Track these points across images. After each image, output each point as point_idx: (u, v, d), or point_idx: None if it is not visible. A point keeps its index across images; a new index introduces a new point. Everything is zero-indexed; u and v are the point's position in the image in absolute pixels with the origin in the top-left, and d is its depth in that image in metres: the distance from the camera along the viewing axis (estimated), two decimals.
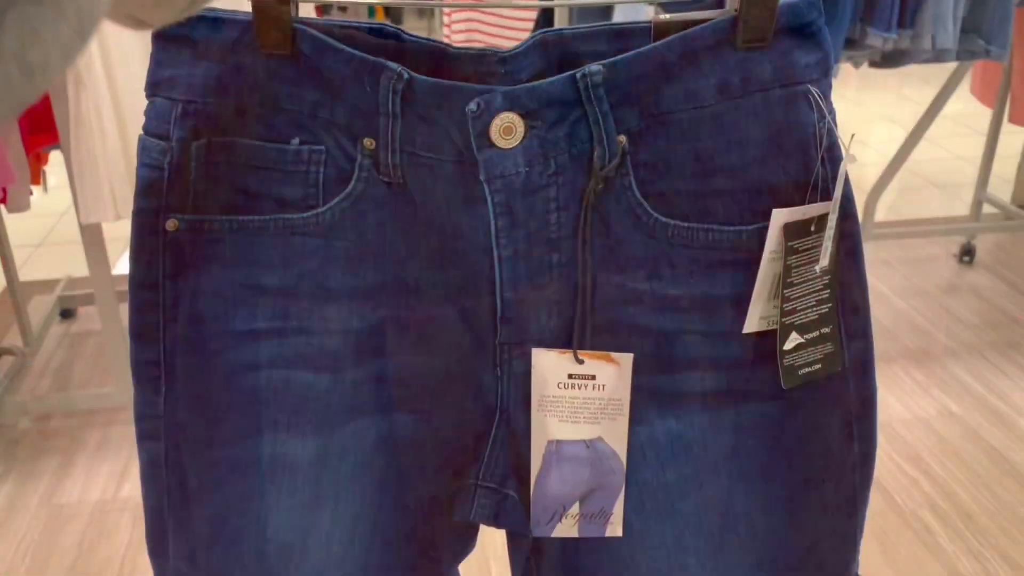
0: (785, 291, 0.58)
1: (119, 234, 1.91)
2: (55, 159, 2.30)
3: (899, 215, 2.77)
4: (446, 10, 2.29)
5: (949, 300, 2.24)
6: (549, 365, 0.59)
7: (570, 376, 0.60)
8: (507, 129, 0.55)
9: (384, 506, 0.64)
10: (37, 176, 1.90)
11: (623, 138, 0.56)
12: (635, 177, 0.57)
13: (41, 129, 1.78)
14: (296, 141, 0.56)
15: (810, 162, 0.57)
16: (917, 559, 1.41)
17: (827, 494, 0.64)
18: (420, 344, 0.60)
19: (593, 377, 0.60)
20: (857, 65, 1.84)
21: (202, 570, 0.63)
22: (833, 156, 0.58)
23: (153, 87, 0.57)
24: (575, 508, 0.63)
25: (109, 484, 1.62)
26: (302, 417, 0.60)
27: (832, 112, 0.57)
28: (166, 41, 0.56)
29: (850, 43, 1.72)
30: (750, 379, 0.61)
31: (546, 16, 2.10)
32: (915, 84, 4.05)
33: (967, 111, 3.70)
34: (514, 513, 0.62)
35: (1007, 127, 2.30)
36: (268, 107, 0.56)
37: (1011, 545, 1.44)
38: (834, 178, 0.58)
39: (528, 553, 0.66)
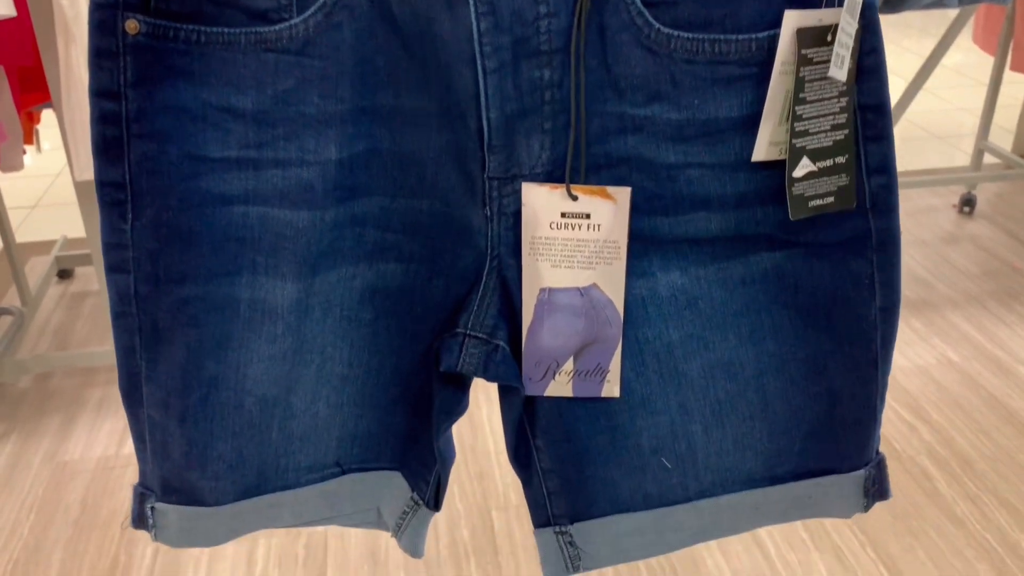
0: (797, 108, 0.52)
1: None
2: (49, 120, 2.28)
3: (899, 166, 2.75)
4: None
5: (949, 250, 2.23)
6: (540, 202, 0.55)
7: (563, 215, 0.55)
8: None
9: (372, 367, 0.61)
10: (30, 136, 1.88)
11: None
12: None
13: (33, 87, 1.76)
14: None
15: None
16: (915, 504, 1.42)
17: (845, 355, 0.59)
18: (405, 183, 0.57)
19: (588, 216, 0.55)
20: None
21: (176, 419, 0.60)
22: None
23: None
24: (569, 364, 0.59)
25: (111, 441, 1.63)
26: (281, 258, 0.57)
27: None
28: None
29: None
30: (761, 221, 0.56)
31: None
32: (915, 36, 4.01)
33: (968, 61, 3.66)
34: (504, 365, 0.59)
35: (1009, 76, 2.28)
36: None
37: (1009, 490, 1.45)
38: None
39: (521, 412, 0.62)
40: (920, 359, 1.80)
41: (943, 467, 1.51)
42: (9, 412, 1.71)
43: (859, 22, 0.51)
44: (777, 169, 0.54)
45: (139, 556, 1.35)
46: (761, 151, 0.54)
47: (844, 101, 0.53)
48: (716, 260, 0.57)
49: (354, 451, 0.64)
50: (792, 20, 0.51)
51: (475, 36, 0.52)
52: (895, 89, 3.17)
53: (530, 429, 0.63)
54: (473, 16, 0.51)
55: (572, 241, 0.56)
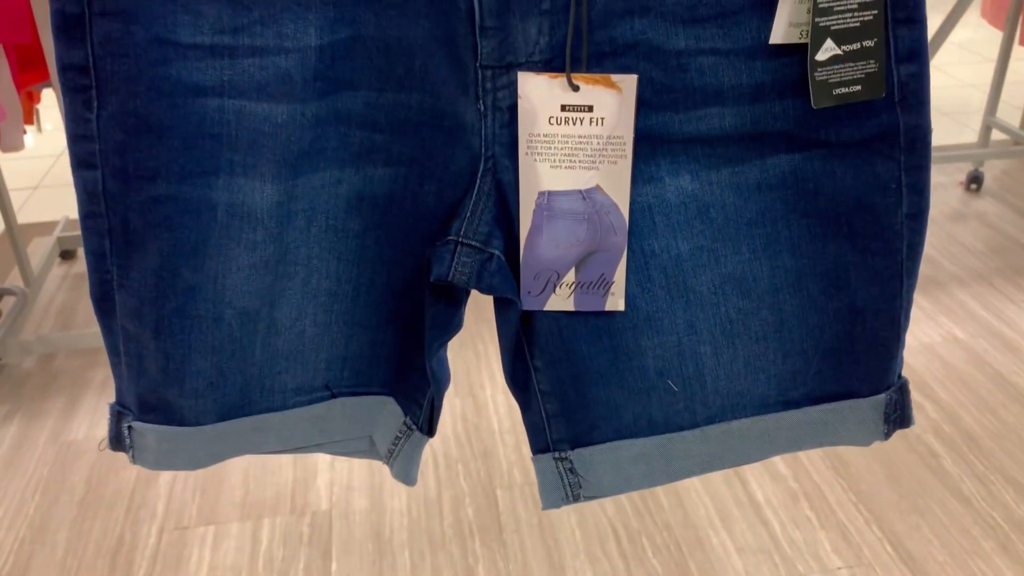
0: None
1: None
2: (49, 101, 2.27)
3: None
4: None
5: (956, 228, 2.22)
6: (538, 93, 0.50)
7: (563, 108, 0.50)
8: None
9: (362, 284, 0.57)
10: (31, 116, 1.88)
11: None
12: None
13: (32, 67, 1.75)
14: None
15: None
16: (921, 482, 1.42)
17: (868, 267, 0.55)
18: (391, 75, 0.52)
19: (590, 108, 0.50)
20: None
21: (151, 331, 0.56)
22: None
23: None
24: (570, 276, 0.55)
25: None
26: (258, 156, 0.53)
27: None
28: None
29: None
30: (779, 116, 0.51)
31: None
32: None
33: (975, 38, 3.63)
34: (499, 275, 0.55)
35: (1017, 52, 2.25)
36: None
37: (1015, 468, 1.44)
38: None
39: (517, 330, 0.58)
40: (926, 337, 1.79)
41: (949, 445, 1.50)
42: (13, 393, 1.71)
43: None
44: (798, 55, 0.50)
45: (144, 535, 1.35)
46: (779, 32, 0.49)
47: None
48: (730, 163, 0.52)
49: (344, 374, 0.61)
50: None
51: None
52: None
53: (528, 349, 0.59)
54: None
55: (573, 138, 0.51)
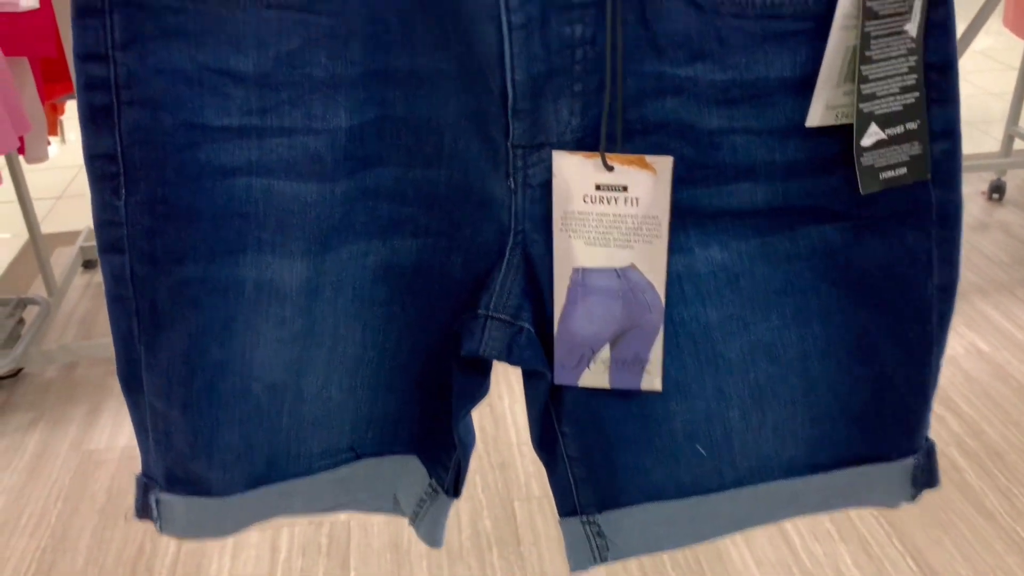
0: (863, 68, 0.47)
1: None
2: (72, 112, 2.29)
3: None
4: None
5: (978, 238, 2.20)
6: (573, 172, 0.50)
7: (597, 187, 0.50)
8: None
9: (387, 349, 0.57)
10: (54, 127, 1.90)
11: None
12: None
13: (57, 78, 1.77)
14: None
15: None
16: (945, 497, 1.40)
17: (898, 336, 0.55)
18: (420, 152, 0.53)
19: (625, 188, 0.50)
20: None
21: (179, 408, 0.56)
22: None
23: None
24: (605, 352, 0.54)
25: None
26: (288, 235, 0.53)
27: None
28: None
29: None
30: (811, 191, 0.51)
31: None
32: None
33: (997, 46, 3.60)
34: (529, 348, 0.55)
35: None
36: None
37: None
38: None
39: (546, 398, 0.58)
40: (949, 348, 1.78)
41: (972, 459, 1.48)
42: (36, 401, 1.73)
43: None
44: (832, 135, 0.50)
45: (164, 544, 1.36)
46: (816, 115, 0.49)
47: (913, 60, 0.48)
48: (760, 234, 0.53)
49: (369, 435, 0.61)
50: None
51: None
52: None
53: (555, 415, 0.59)
54: None
55: (608, 216, 0.51)
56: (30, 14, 1.36)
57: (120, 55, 0.50)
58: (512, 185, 0.52)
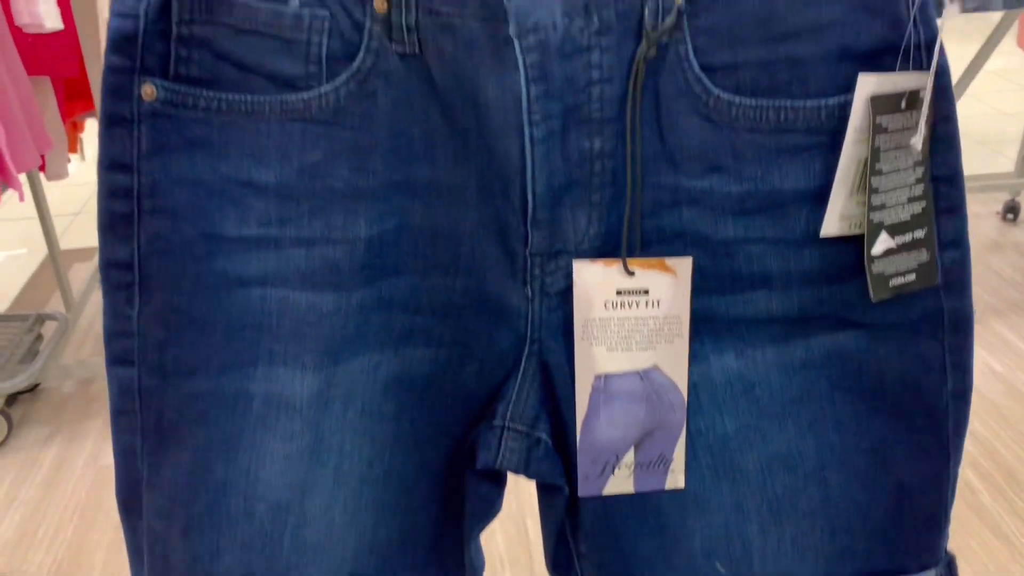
0: (873, 180, 0.48)
1: None
2: (92, 128, 2.32)
3: None
4: None
5: (992, 258, 2.19)
6: (593, 280, 0.50)
7: (619, 292, 0.51)
8: None
9: (394, 468, 0.56)
10: (74, 144, 1.92)
11: None
12: (693, 45, 0.48)
13: (77, 96, 1.80)
14: (295, 2, 0.48)
15: (900, 23, 0.48)
16: (960, 518, 1.39)
17: (914, 445, 0.55)
18: (437, 261, 0.52)
19: (646, 292, 0.51)
20: None
21: (179, 531, 0.54)
22: (927, 17, 0.48)
23: None
24: (629, 456, 0.54)
25: None
26: (301, 346, 0.52)
27: None
28: None
29: None
30: (825, 300, 0.52)
31: None
32: (956, 40, 3.95)
33: (1011, 66, 3.60)
34: (547, 460, 0.54)
35: None
36: None
37: None
38: (928, 45, 0.48)
39: (563, 515, 0.58)
40: None
41: (988, 480, 1.48)
42: (54, 416, 1.74)
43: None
44: (845, 244, 0.51)
45: None
46: (831, 226, 0.50)
47: (920, 171, 0.50)
48: (775, 342, 0.53)
49: (371, 562, 0.58)
50: (867, 86, 0.48)
51: (524, 104, 0.48)
52: None
53: (571, 533, 0.58)
54: (523, 82, 0.47)
55: (629, 320, 0.51)
56: (53, 34, 1.38)
57: (145, 164, 0.50)
58: (529, 293, 0.52)
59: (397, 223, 0.51)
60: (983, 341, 1.86)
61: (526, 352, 0.53)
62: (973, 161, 2.81)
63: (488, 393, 0.55)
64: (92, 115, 1.84)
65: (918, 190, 0.50)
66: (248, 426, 0.52)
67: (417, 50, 0.48)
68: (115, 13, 0.48)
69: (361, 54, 0.48)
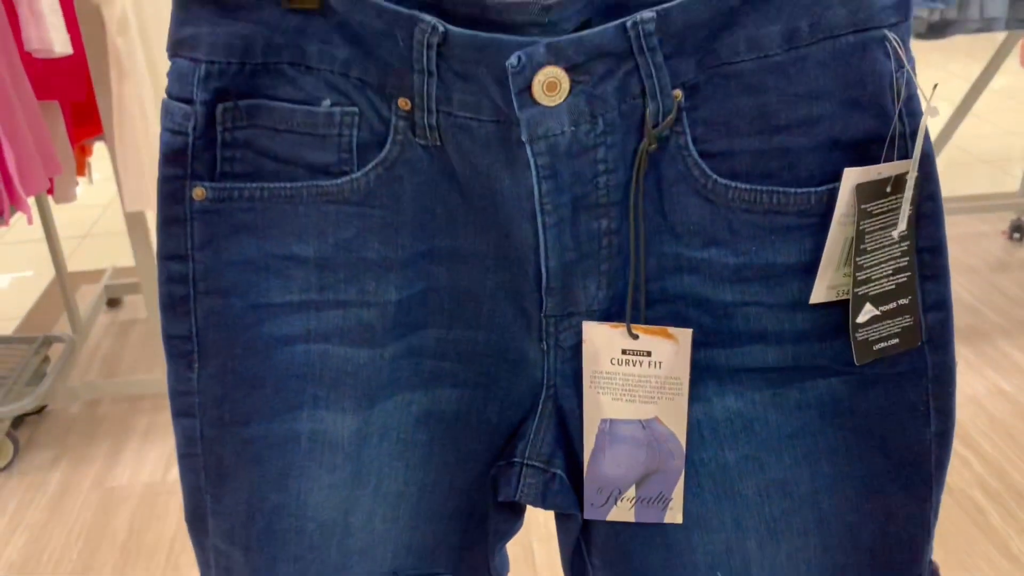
0: (858, 259, 0.53)
1: None
2: (99, 152, 2.34)
3: (947, 192, 2.68)
4: None
5: (998, 277, 2.19)
6: (601, 339, 0.56)
7: (624, 352, 0.56)
8: (551, 85, 0.50)
9: (427, 485, 0.63)
10: (82, 167, 1.94)
11: (679, 92, 0.51)
12: (692, 135, 0.52)
13: (85, 121, 1.81)
14: (327, 102, 0.53)
15: (886, 116, 0.52)
16: (968, 538, 1.38)
17: (899, 477, 0.59)
18: (460, 317, 0.58)
19: (649, 353, 0.56)
20: None
21: (240, 548, 0.62)
22: (912, 109, 0.52)
23: (175, 47, 0.54)
24: (631, 491, 0.60)
25: (158, 467, 1.65)
26: (340, 392, 0.59)
27: (911, 60, 0.52)
28: None
29: None
30: (817, 354, 0.57)
31: None
32: (961, 60, 3.96)
33: (1015, 85, 3.61)
34: (562, 493, 0.60)
35: None
36: (296, 66, 0.53)
37: None
38: (913, 134, 0.52)
39: (578, 535, 0.63)
40: (971, 389, 1.76)
41: (996, 500, 1.47)
42: (59, 438, 1.75)
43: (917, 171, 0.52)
44: (834, 308, 0.55)
45: None
46: (820, 295, 0.55)
47: (905, 245, 0.54)
48: (772, 386, 0.58)
49: (409, 560, 0.66)
50: (852, 177, 0.52)
51: (536, 196, 0.53)
52: (942, 114, 3.13)
53: (586, 548, 0.64)
54: (535, 179, 0.52)
55: (633, 376, 0.57)
56: (62, 59, 1.39)
57: (198, 253, 0.56)
58: (545, 347, 0.58)
59: (424, 287, 0.57)
60: (991, 361, 1.85)
61: (543, 396, 0.59)
62: (978, 180, 2.81)
63: (509, 429, 0.61)
64: (100, 139, 1.85)
65: (903, 262, 0.54)
66: (297, 460, 0.59)
67: (439, 142, 0.54)
68: (165, 128, 0.54)
69: (388, 145, 0.54)
